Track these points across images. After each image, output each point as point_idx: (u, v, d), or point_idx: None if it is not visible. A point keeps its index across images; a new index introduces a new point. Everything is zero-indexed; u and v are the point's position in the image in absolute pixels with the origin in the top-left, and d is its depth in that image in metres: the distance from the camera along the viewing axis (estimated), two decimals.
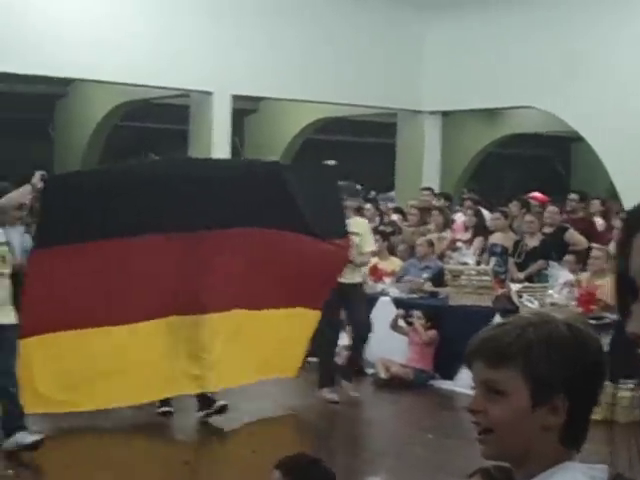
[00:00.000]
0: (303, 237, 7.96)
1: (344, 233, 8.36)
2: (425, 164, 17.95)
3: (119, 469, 6.73)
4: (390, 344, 10.04)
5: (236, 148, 17.50)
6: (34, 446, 6.80)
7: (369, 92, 16.91)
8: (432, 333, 10.07)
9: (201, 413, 8.06)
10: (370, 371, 10.21)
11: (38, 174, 6.75)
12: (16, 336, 6.91)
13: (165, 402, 8.08)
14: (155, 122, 21.56)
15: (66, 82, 19.10)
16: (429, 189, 14.72)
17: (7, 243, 6.95)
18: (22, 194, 6.78)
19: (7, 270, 6.91)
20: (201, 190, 7.62)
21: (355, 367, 9.57)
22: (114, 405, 7.64)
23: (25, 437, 6.83)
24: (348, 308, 9.10)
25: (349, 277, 8.81)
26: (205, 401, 8.00)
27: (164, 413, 8.11)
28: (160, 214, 7.50)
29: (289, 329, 8.12)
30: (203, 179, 7.73)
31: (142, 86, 16.13)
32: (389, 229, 12.96)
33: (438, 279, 10.80)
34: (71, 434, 7.65)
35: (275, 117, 20.21)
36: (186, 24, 15.32)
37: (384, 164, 19.32)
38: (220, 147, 15.48)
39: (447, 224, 12.34)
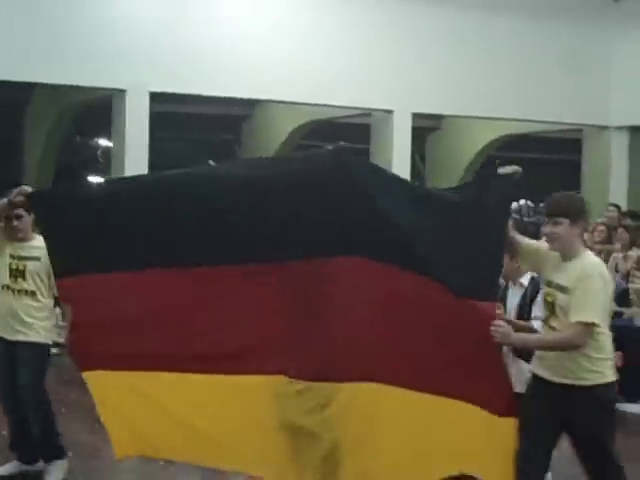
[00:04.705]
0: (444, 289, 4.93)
1: (490, 295, 5.06)
2: (612, 181, 17.45)
3: None
4: None
5: (416, 166, 17.49)
6: None
7: (554, 108, 16.61)
8: (618, 354, 9.82)
9: None
10: None
11: (17, 189, 5.52)
12: (35, 356, 6.72)
13: None
14: (336, 141, 21.80)
15: (252, 103, 19.59)
16: (616, 206, 14.30)
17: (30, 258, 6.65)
18: None
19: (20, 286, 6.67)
20: (283, 202, 5.07)
21: None
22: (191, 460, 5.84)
23: None
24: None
25: None
26: None
27: None
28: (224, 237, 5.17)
29: (469, 434, 5.11)
30: (280, 185, 5.05)
31: (324, 106, 16.37)
32: None
33: (622, 299, 10.46)
34: None
35: (458, 135, 20.10)
36: (368, 44, 15.47)
37: (569, 181, 18.88)
38: (400, 166, 15.51)
39: (634, 242, 11.94)
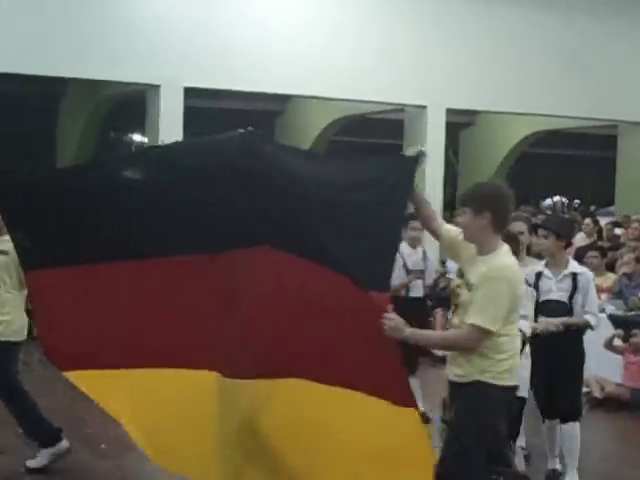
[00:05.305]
0: (342, 278, 4.66)
1: (384, 285, 4.77)
2: None
3: None
4: (605, 362, 9.74)
5: (450, 162, 17.45)
6: None
7: (588, 104, 16.51)
8: None
9: None
10: (584, 390, 9.92)
11: None
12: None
13: None
14: (370, 137, 21.80)
15: (284, 99, 19.61)
16: None
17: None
18: None
19: None
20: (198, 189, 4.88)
21: None
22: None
23: None
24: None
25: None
26: None
27: None
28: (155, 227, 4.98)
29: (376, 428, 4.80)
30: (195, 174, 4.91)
31: (357, 101, 16.36)
32: (607, 244, 12.66)
33: None
34: None
35: (491, 130, 20.04)
36: (401, 40, 15.45)
37: (603, 178, 18.79)
38: (434, 161, 15.47)
39: None
